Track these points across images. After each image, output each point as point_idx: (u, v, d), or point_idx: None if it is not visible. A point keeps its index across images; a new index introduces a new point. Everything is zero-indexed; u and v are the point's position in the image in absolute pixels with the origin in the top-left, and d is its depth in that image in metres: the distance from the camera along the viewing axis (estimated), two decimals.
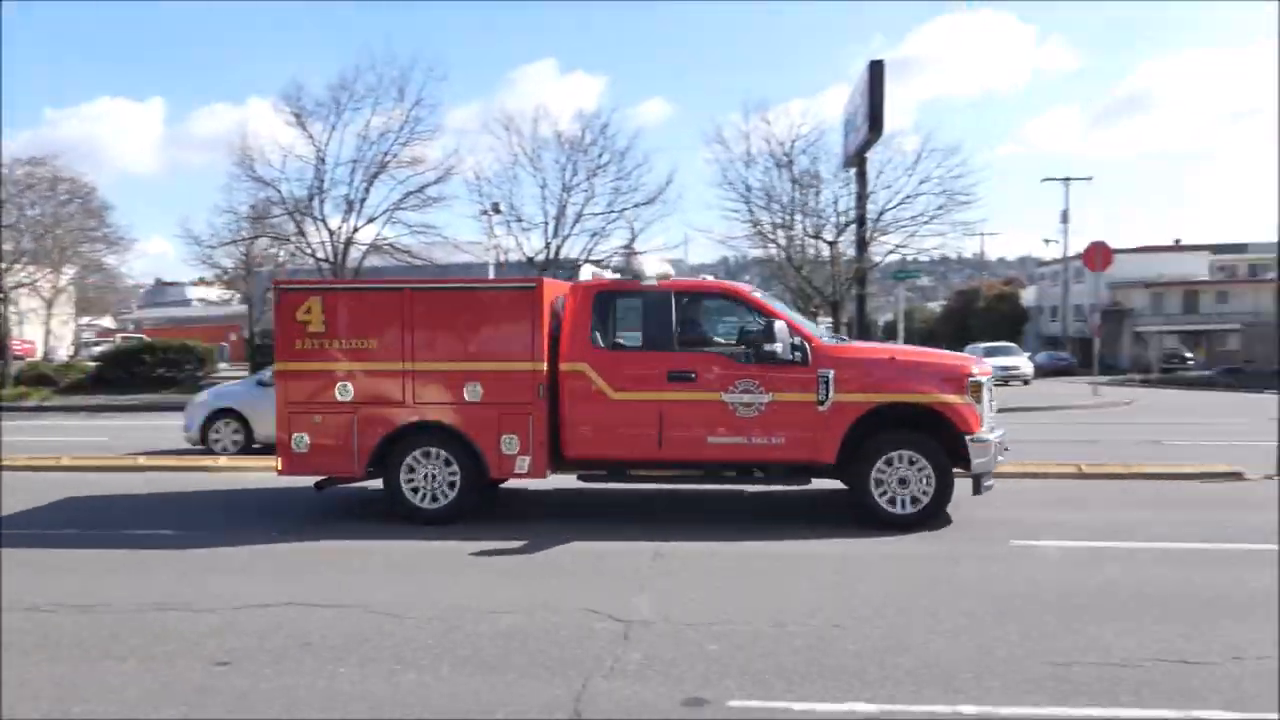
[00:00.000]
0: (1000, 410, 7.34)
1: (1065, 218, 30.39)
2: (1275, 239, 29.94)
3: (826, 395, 5.25)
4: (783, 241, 19.25)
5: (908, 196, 18.33)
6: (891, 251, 19.02)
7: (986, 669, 3.31)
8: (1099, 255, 16.10)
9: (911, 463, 5.33)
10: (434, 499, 5.48)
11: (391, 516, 5.48)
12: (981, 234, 43.46)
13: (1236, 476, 7.33)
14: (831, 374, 5.28)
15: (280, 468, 5.49)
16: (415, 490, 5.48)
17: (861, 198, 17.96)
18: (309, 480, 5.90)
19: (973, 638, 3.61)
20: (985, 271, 43.48)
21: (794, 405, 5.27)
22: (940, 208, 18.01)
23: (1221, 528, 5.43)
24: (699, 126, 71.94)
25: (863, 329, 22.29)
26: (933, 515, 5.29)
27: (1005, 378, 20.79)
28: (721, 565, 4.50)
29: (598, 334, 5.43)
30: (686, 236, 34.18)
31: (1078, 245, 17.30)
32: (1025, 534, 5.18)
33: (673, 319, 5.35)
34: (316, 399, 5.43)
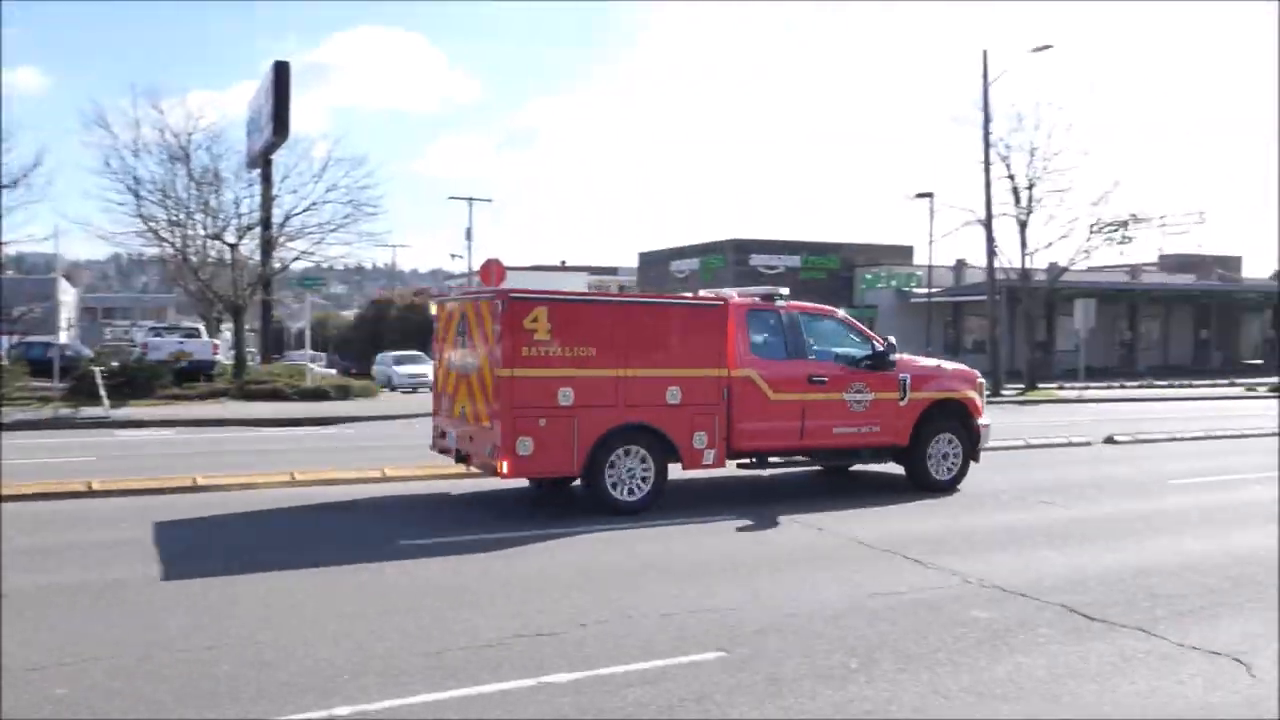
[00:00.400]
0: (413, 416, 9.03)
1: (469, 235, 36.35)
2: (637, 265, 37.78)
3: (904, 394, 7.17)
4: (179, 242, 18.39)
5: (314, 203, 18.48)
6: (298, 258, 19.08)
7: (365, 667, 3.45)
8: (494, 272, 16.81)
9: (949, 442, 7.41)
10: (630, 492, 6.23)
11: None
12: (393, 245, 46.97)
13: None
14: (908, 378, 7.20)
15: (505, 471, 5.86)
16: (614, 485, 6.14)
17: (266, 201, 18.00)
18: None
19: (354, 639, 3.77)
20: (399, 282, 47.04)
21: (886, 402, 7.08)
22: (347, 217, 18.47)
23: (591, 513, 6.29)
24: (79, 105, 62.71)
25: (267, 336, 21.14)
26: (960, 480, 7.31)
27: (415, 385, 21.47)
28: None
29: (755, 345, 6.71)
30: (58, 228, 27.83)
31: (480, 261, 18.73)
32: (412, 535, 5.68)
33: (803, 333, 6.88)
34: (542, 404, 5.82)
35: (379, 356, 25.51)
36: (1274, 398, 19.34)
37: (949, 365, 7.96)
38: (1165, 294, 31.44)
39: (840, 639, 3.97)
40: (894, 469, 8.17)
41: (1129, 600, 4.65)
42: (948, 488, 7.54)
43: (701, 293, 7.29)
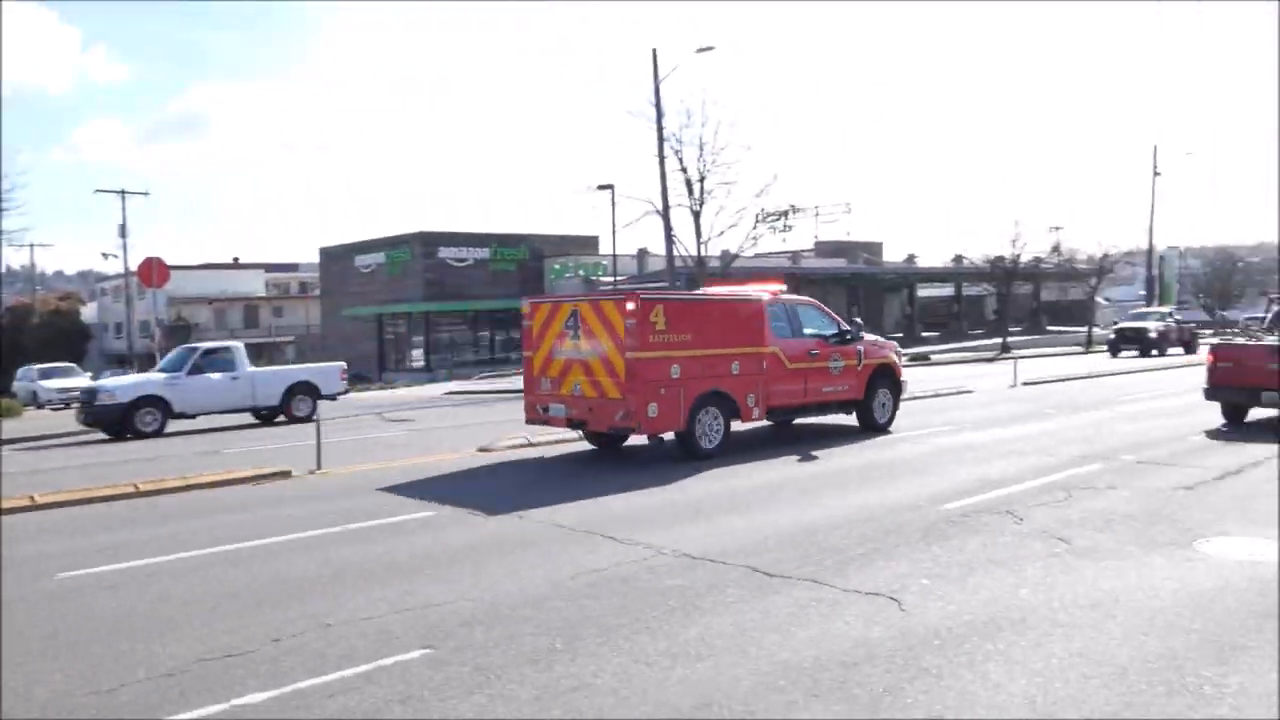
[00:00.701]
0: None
1: (124, 232, 30.82)
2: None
3: (860, 362, 10.58)
4: None
5: None
6: None
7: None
8: (155, 271, 16.00)
9: (885, 394, 10.83)
10: (710, 441, 9.08)
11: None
12: (31, 245, 37.04)
13: (285, 475, 8.69)
14: (863, 349, 10.65)
15: (641, 430, 8.63)
16: (701, 437, 8.98)
17: None
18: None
19: (10, 686, 3.51)
20: (41, 285, 41.80)
21: (851, 368, 10.44)
22: None
23: (273, 522, 6.52)
24: None
25: None
26: (892, 422, 10.85)
27: (67, 401, 19.72)
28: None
29: (776, 329, 9.88)
30: None
31: (138, 260, 16.75)
32: (74, 564, 5.39)
33: (799, 318, 10.21)
34: (662, 378, 8.68)
35: (20, 371, 23.37)
36: (934, 364, 25.48)
37: (880, 339, 11.54)
38: (821, 276, 33.83)
39: (545, 621, 4.18)
40: (584, 445, 10.53)
41: (803, 555, 5.52)
42: (886, 428, 11.34)
43: (747, 289, 10.41)
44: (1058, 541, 6.25)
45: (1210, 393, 12.37)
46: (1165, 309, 32.92)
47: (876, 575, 5.16)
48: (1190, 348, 28.64)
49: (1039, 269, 47.40)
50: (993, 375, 24.88)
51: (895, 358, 11.39)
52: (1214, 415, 12.80)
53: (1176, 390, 17.38)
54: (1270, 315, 18.10)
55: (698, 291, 11.00)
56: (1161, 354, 27.86)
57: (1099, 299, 71.59)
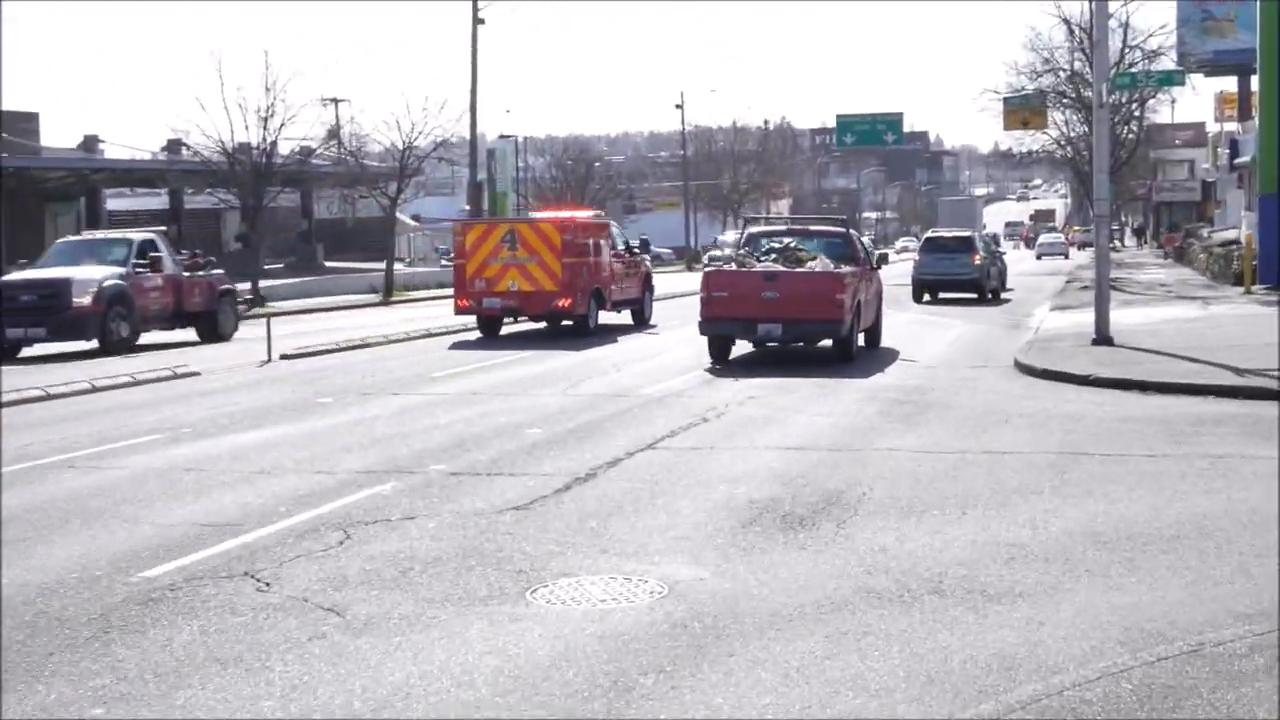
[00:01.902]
0: None
1: None
2: None
3: (640, 270, 35.49)
4: None
5: None
6: None
7: None
8: None
9: (650, 295, 35.53)
10: (594, 321, 30.92)
11: None
12: None
13: None
14: (646, 259, 36.97)
15: (571, 311, 29.63)
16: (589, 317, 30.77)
17: None
18: None
19: None
20: None
21: (636, 275, 34.52)
22: None
23: None
24: None
25: None
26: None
27: None
28: None
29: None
30: None
31: None
32: None
33: (614, 236, 33.89)
34: (576, 278, 29.99)
35: None
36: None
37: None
38: None
39: None
40: None
41: None
42: (650, 323, 33.47)
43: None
44: (326, 614, 7.53)
45: (705, 327, 22.67)
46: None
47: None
48: None
49: (307, 167, 55.76)
50: (237, 341, 30.01)
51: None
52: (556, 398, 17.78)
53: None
54: (743, 237, 26.76)
55: (589, 215, 34.86)
56: None
57: (404, 216, 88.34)
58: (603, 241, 31.67)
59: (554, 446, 13.65)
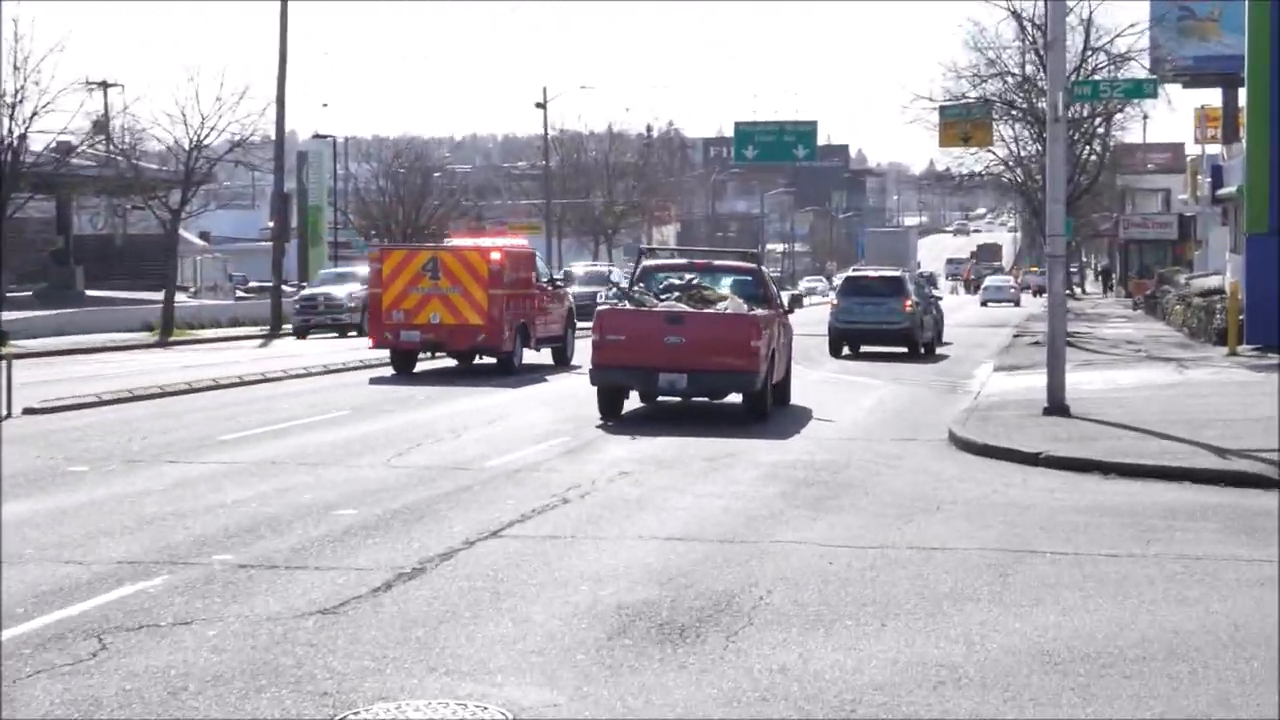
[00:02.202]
0: None
1: None
2: None
3: (564, 304, 41.10)
4: None
5: None
6: None
7: None
8: None
9: (572, 334, 40.22)
10: (519, 359, 35.65)
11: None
12: None
13: None
14: (569, 293, 43.94)
15: (499, 349, 34.38)
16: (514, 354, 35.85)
17: None
18: None
19: None
20: None
21: (560, 310, 40.05)
22: None
23: None
24: None
25: None
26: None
27: None
28: None
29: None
30: None
31: None
32: None
33: (538, 265, 40.49)
34: (501, 311, 34.34)
35: None
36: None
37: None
38: None
39: None
40: None
41: None
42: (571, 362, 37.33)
43: None
44: None
45: (597, 375, 24.02)
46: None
47: None
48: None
49: (64, 169, 55.34)
50: None
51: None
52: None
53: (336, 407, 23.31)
54: (637, 272, 28.06)
55: (516, 243, 40.39)
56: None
57: (189, 235, 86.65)
58: (529, 273, 36.28)
59: (373, 532, 13.54)
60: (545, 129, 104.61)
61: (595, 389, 24.12)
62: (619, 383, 23.97)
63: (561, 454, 19.84)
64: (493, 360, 34.38)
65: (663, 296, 25.15)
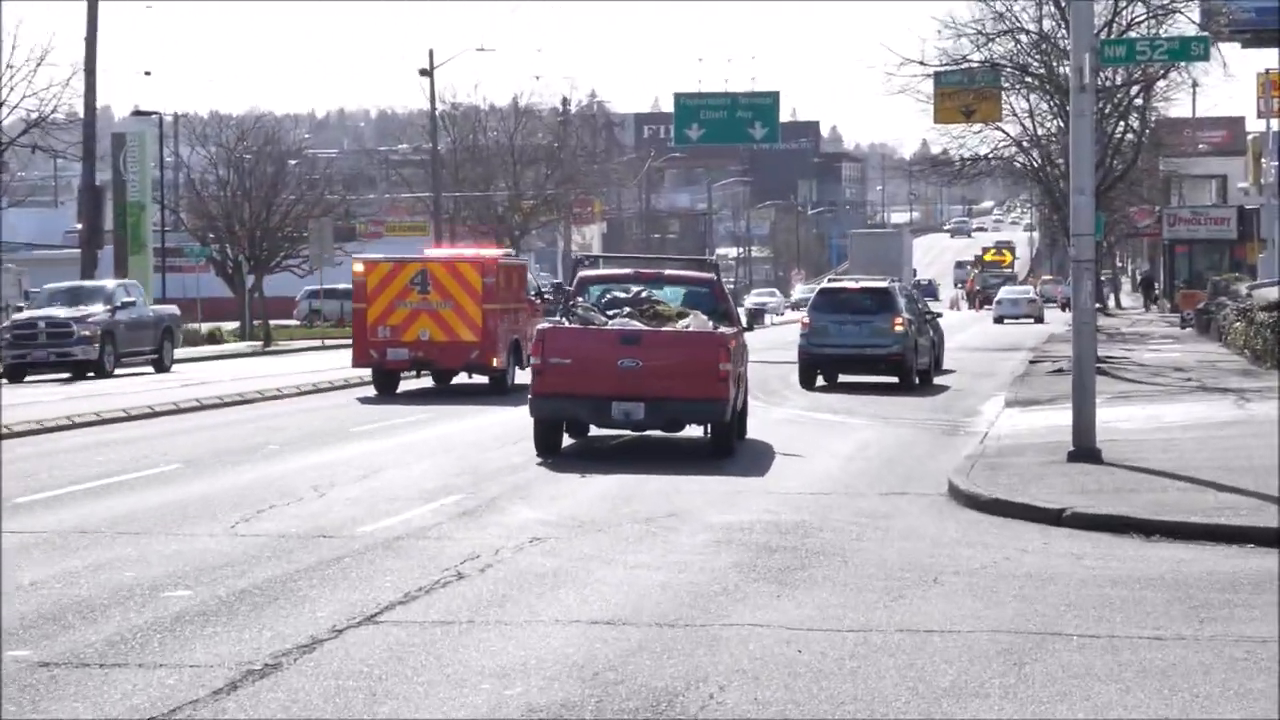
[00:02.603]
0: None
1: None
2: None
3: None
4: None
5: None
6: None
7: None
8: None
9: None
10: (512, 379, 43.39)
11: None
12: None
13: None
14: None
15: (492, 367, 41.71)
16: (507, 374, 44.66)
17: None
18: None
19: None
20: None
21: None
22: None
23: None
24: None
25: None
26: None
27: None
28: None
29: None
30: None
31: None
32: None
33: (528, 280, 49.74)
34: (497, 326, 41.54)
35: None
36: None
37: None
38: None
39: None
40: None
41: None
42: None
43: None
44: None
45: (539, 405, 25.37)
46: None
47: None
48: None
49: None
50: None
51: None
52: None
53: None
54: (573, 283, 29.55)
55: (508, 255, 53.73)
56: None
57: None
58: (522, 286, 42.50)
59: (213, 619, 13.47)
60: (432, 103, 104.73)
61: (532, 422, 25.35)
62: (565, 415, 25.37)
63: (457, 515, 19.83)
64: (467, 380, 39.07)
65: (609, 313, 26.34)
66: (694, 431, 26.13)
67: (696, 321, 25.90)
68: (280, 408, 37.48)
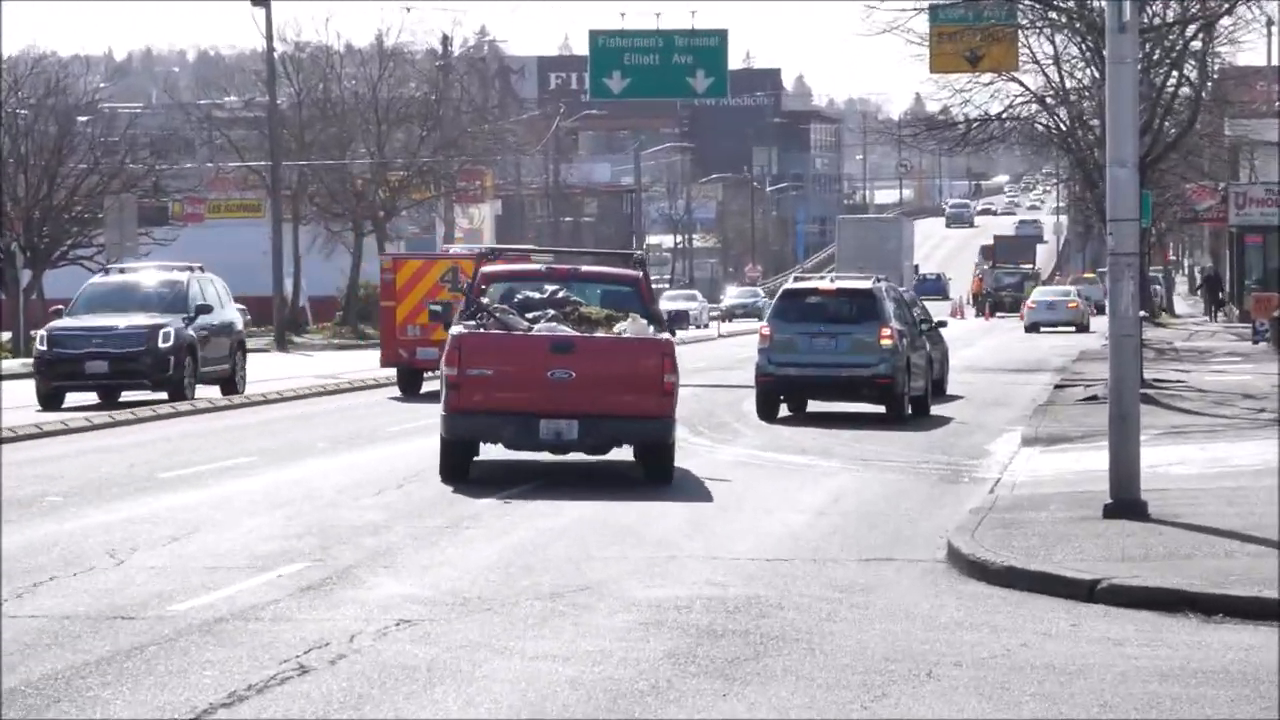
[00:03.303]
0: None
1: None
2: None
3: None
4: None
5: None
6: None
7: None
8: None
9: None
10: None
11: None
12: None
13: None
14: None
15: None
16: None
17: None
18: None
19: None
20: None
21: None
22: None
23: None
24: None
25: None
26: None
27: None
28: None
29: None
30: None
31: None
32: None
33: None
34: None
35: None
36: None
37: None
38: None
39: None
40: None
41: None
42: None
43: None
44: None
45: (454, 423, 27.37)
46: None
47: None
48: None
49: None
50: None
51: None
52: None
53: None
54: (475, 280, 30.92)
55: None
56: None
57: None
58: None
59: None
60: (269, 41, 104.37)
61: (440, 444, 26.88)
62: (485, 434, 27.14)
63: (299, 590, 19.78)
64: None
65: (527, 316, 27.84)
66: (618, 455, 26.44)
67: (634, 326, 27.15)
68: (60, 447, 37.39)
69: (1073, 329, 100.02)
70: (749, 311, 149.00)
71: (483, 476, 28.16)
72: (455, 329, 28.83)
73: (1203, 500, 24.97)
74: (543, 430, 26.40)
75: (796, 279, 54.37)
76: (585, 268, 33.81)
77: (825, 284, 49.99)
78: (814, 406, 43.27)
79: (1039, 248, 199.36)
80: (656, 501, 25.67)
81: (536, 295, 29.02)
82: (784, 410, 42.75)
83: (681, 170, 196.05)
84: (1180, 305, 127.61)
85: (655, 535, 23.72)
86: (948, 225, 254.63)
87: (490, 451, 29.70)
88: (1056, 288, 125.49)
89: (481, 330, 28.09)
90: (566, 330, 27.01)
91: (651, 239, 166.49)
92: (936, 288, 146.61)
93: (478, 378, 26.41)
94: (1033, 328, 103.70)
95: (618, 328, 27.46)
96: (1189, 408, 42.86)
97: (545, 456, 29.50)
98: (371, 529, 24.29)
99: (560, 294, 28.93)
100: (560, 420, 26.21)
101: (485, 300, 28.94)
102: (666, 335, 28.35)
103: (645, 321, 27.80)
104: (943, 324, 55.67)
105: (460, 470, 27.22)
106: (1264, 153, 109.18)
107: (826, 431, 39.74)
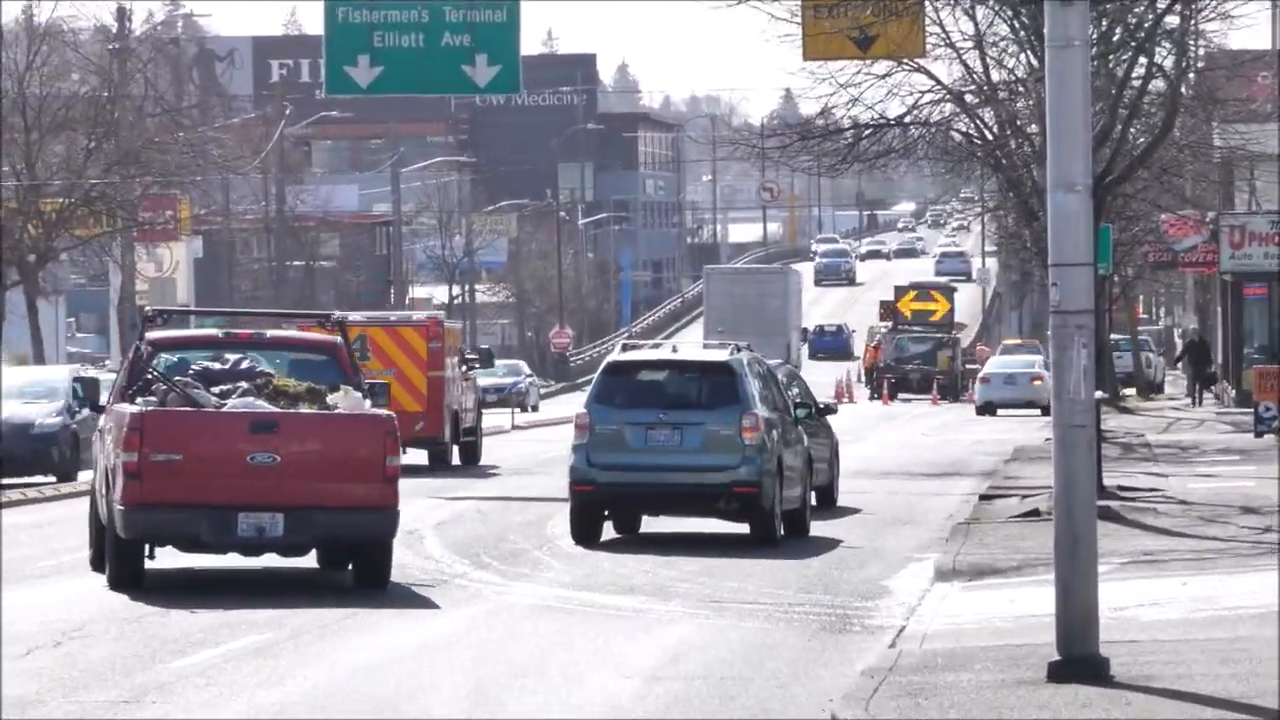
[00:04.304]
0: None
1: None
2: None
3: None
4: None
5: None
6: None
7: None
8: None
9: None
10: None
11: None
12: None
13: None
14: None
15: (440, 439, 78.07)
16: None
17: None
18: None
19: None
20: None
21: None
22: None
23: None
24: None
25: None
26: None
27: None
28: None
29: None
30: None
31: None
32: None
33: None
34: (441, 394, 77.51)
35: None
36: None
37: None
38: None
39: None
40: None
41: None
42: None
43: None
44: None
45: (132, 519, 28.33)
46: None
47: None
48: None
49: None
50: None
51: None
52: None
53: None
54: (143, 350, 32.23)
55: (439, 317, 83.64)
56: None
57: None
58: (456, 354, 59.34)
59: None
60: None
61: (120, 539, 27.99)
62: (171, 532, 28.13)
63: None
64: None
65: (213, 391, 29.09)
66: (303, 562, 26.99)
67: (348, 401, 28.80)
68: None
69: (1037, 411, 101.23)
70: (503, 399, 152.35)
71: (182, 617, 27.53)
72: (126, 407, 29.42)
73: (1186, 656, 25.11)
74: (240, 525, 27.40)
75: (625, 347, 54.00)
76: (271, 332, 35.27)
77: (665, 354, 50.00)
78: (649, 525, 43.40)
79: (965, 289, 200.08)
80: (428, 667, 25.27)
81: (216, 366, 30.09)
82: (608, 531, 42.81)
83: (459, 195, 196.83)
84: (1169, 384, 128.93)
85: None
86: (816, 282, 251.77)
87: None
88: (1018, 357, 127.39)
89: (166, 408, 28.90)
90: (265, 406, 28.16)
91: (418, 290, 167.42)
92: (838, 344, 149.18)
93: (164, 464, 27.18)
94: (986, 408, 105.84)
95: (331, 399, 28.86)
96: (1167, 526, 43.24)
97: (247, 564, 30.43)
98: (17, 706, 23.96)
99: (245, 364, 30.16)
100: (262, 513, 27.28)
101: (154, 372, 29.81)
102: (387, 411, 29.94)
103: (360, 395, 29.43)
104: (830, 409, 55.80)
105: (136, 572, 28.52)
106: (1266, 169, 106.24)
107: (665, 561, 39.81)
